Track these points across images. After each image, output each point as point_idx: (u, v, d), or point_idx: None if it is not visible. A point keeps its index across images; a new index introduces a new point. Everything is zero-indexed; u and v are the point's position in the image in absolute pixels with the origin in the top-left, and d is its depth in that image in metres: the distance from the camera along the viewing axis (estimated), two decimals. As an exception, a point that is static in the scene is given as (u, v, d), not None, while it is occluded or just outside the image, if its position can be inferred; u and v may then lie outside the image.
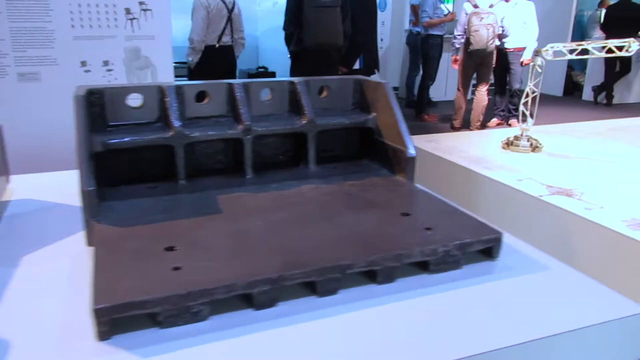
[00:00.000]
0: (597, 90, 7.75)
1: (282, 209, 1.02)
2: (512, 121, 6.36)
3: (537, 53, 3.15)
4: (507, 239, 1.07)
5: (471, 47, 5.63)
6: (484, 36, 5.44)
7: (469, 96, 6.13)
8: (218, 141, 1.22)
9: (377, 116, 1.28)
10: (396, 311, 0.81)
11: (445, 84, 6.87)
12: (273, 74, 6.81)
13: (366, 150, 1.34)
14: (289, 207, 1.04)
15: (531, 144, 3.27)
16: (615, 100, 7.63)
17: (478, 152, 3.19)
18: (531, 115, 3.23)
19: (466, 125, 6.10)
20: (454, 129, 6.10)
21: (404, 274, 0.88)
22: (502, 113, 6.59)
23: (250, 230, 0.93)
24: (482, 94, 5.86)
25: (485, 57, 5.60)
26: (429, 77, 6.37)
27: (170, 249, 0.85)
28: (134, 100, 1.22)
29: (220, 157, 1.24)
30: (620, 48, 2.99)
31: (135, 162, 1.17)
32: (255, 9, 7.69)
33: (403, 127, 1.21)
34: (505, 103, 6.44)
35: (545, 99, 8.15)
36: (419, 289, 0.86)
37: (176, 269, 0.78)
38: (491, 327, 0.78)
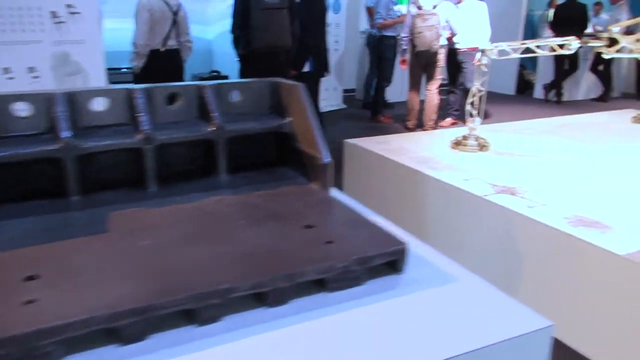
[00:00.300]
0: (547, 88, 7.92)
1: (176, 226, 0.93)
2: (446, 120, 6.41)
3: (482, 52, 3.14)
4: (419, 249, 1.00)
5: (416, 49, 5.67)
6: (427, 38, 5.47)
7: (422, 97, 6.14)
8: (118, 152, 1.12)
9: (293, 121, 1.20)
10: (287, 336, 0.73)
11: (402, 85, 6.86)
12: (226, 78, 6.69)
13: (284, 157, 1.26)
14: (184, 223, 0.95)
15: (479, 143, 3.26)
16: (564, 98, 7.80)
17: (427, 152, 3.16)
18: (478, 115, 3.22)
19: (421, 125, 6.11)
20: (408, 129, 6.10)
21: (299, 294, 0.80)
22: (456, 112, 6.65)
23: (134, 251, 0.83)
24: (432, 94, 5.90)
25: (430, 58, 5.64)
26: (384, 78, 6.37)
27: (31, 278, 0.75)
28: (24, 109, 1.11)
29: (121, 169, 1.13)
30: (562, 46, 3.01)
31: (20, 178, 1.05)
32: (208, 12, 7.55)
33: (317, 132, 1.13)
34: (460, 102, 6.48)
35: (498, 98, 8.27)
36: (314, 310, 0.78)
37: (29, 302, 0.68)
38: (388, 349, 0.71)
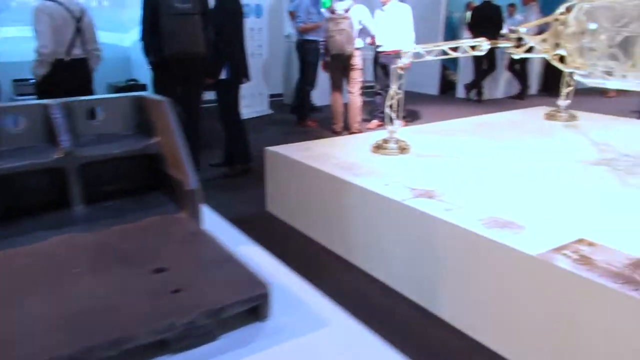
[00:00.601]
0: (468, 87, 8.19)
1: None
2: (372, 122, 6.47)
3: (397, 56, 3.14)
4: (293, 286, 0.88)
5: (330, 52, 5.68)
6: (337, 41, 5.49)
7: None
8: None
9: (161, 141, 1.06)
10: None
11: (330, 89, 6.82)
12: (144, 87, 6.39)
13: (158, 182, 1.11)
14: (7, 276, 0.79)
15: (399, 146, 3.25)
16: (485, 97, 8.09)
17: (350, 157, 3.12)
18: (397, 117, 3.21)
19: (347, 128, 6.10)
20: (335, 133, 6.07)
21: (134, 359, 0.68)
22: (381, 115, 6.69)
23: None
24: (354, 97, 5.91)
25: (346, 61, 5.66)
26: (308, 82, 6.32)
27: None
28: None
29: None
30: (473, 47, 3.06)
31: None
32: (125, 18, 7.22)
33: (183, 153, 0.99)
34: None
35: (423, 98, 8.46)
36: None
37: None
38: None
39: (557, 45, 2.89)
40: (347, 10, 5.70)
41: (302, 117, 6.49)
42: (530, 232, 1.98)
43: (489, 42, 2.99)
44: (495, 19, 7.53)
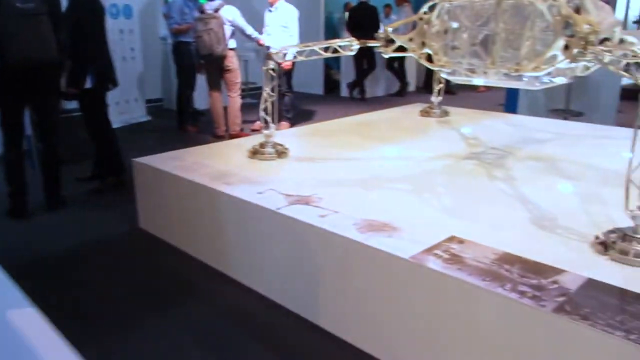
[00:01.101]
0: (351, 86, 8.35)
1: None
2: (282, 124, 6.33)
3: (268, 57, 3.01)
4: None
5: (200, 53, 5.49)
6: (206, 41, 5.32)
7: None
8: None
9: None
10: None
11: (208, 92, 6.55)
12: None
13: None
14: None
15: (277, 151, 3.14)
16: (367, 95, 8.29)
17: (224, 165, 2.94)
18: (273, 121, 3.09)
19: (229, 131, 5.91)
20: (216, 137, 5.85)
21: None
22: (289, 115, 6.59)
23: None
24: (232, 99, 5.76)
25: (218, 62, 5.49)
26: (186, 86, 6.02)
27: None
28: None
29: None
30: (344, 47, 3.02)
31: None
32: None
33: None
34: (292, 104, 6.45)
35: (309, 98, 8.47)
36: None
37: None
38: None
39: (423, 44, 2.93)
40: (216, 10, 5.51)
41: (182, 122, 6.17)
42: (404, 234, 1.95)
43: (358, 42, 2.97)
44: (372, 20, 7.72)
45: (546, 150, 3.18)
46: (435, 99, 4.30)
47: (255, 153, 3.10)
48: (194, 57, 5.76)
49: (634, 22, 9.57)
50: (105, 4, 6.34)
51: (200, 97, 6.81)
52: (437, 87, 4.25)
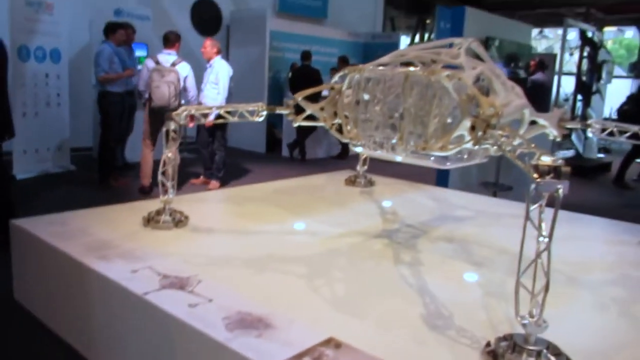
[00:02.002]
0: (291, 147, 8.23)
1: None
2: (212, 183, 6.08)
3: (168, 117, 2.80)
4: None
5: (153, 104, 5.25)
6: (165, 93, 5.12)
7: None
8: None
9: None
10: None
11: (142, 143, 6.26)
12: None
13: None
14: None
15: (174, 219, 2.87)
16: (308, 156, 8.18)
17: (110, 233, 2.63)
18: (172, 186, 2.84)
19: (157, 185, 5.59)
20: (142, 191, 5.53)
21: None
22: (207, 172, 6.35)
23: None
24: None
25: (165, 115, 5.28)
26: (111, 137, 5.71)
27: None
28: None
29: None
30: (252, 113, 2.85)
31: None
32: None
33: None
34: (209, 162, 6.25)
35: (249, 156, 8.29)
36: None
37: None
38: None
39: (335, 114, 2.79)
40: (174, 65, 5.36)
41: (104, 175, 5.81)
42: (277, 333, 1.70)
43: (266, 109, 2.81)
44: (314, 82, 7.71)
45: (462, 230, 3.05)
46: (360, 167, 4.16)
47: (149, 221, 2.82)
48: (122, 107, 5.53)
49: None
50: (30, 47, 6.09)
51: (132, 149, 6.54)
52: (362, 156, 4.13)
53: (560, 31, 9.71)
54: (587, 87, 9.46)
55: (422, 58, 2.63)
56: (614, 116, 10.31)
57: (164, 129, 2.79)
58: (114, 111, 5.68)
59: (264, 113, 2.82)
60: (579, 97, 9.38)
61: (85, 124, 7.33)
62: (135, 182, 5.88)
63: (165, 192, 2.84)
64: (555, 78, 8.74)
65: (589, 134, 2.78)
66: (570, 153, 9.88)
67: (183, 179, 5.90)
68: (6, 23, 5.63)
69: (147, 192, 5.53)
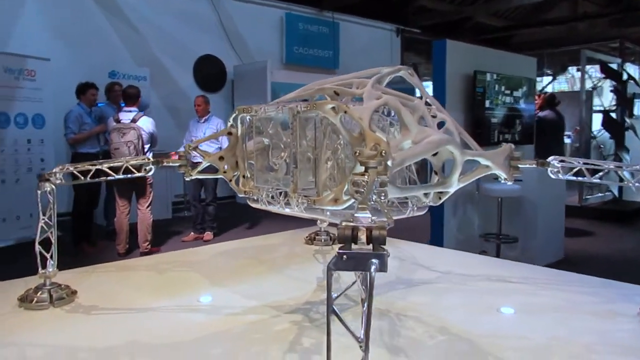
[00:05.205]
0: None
1: None
2: (207, 234, 5.81)
3: (41, 178, 2.41)
4: None
5: None
6: (125, 153, 4.87)
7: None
8: None
9: None
10: None
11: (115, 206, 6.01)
12: None
13: None
14: None
15: (53, 297, 2.43)
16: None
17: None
18: (52, 257, 2.42)
19: (133, 249, 5.26)
20: (120, 255, 5.21)
21: None
22: (199, 226, 6.09)
23: None
24: (143, 212, 5.22)
25: None
26: (84, 202, 5.48)
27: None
28: None
29: None
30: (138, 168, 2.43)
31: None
32: None
33: None
34: (201, 215, 6.02)
35: (244, 208, 7.91)
36: None
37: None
38: None
39: (237, 164, 2.34)
40: (134, 121, 5.13)
41: (78, 240, 5.53)
42: None
43: (153, 161, 2.39)
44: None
45: (408, 300, 2.46)
46: (320, 224, 3.64)
47: (23, 300, 2.39)
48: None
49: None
50: (10, 114, 6.03)
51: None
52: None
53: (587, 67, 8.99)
54: (618, 123, 8.63)
55: (330, 90, 2.18)
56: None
57: (38, 191, 2.40)
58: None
59: (152, 167, 2.40)
60: (607, 135, 8.57)
61: (67, 188, 7.19)
62: (112, 246, 5.58)
63: (44, 264, 2.42)
64: (582, 114, 8.03)
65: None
66: (607, 195, 8.97)
67: (173, 238, 5.60)
68: (-17, 90, 5.64)
69: (123, 255, 5.22)
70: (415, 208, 2.24)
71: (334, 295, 1.22)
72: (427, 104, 2.29)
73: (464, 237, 4.82)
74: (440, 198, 2.24)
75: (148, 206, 5.23)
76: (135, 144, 4.90)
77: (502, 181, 2.26)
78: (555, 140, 6.38)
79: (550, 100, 7.00)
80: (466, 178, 2.19)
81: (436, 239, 4.86)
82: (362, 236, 1.13)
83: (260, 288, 2.68)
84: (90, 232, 5.66)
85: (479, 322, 2.15)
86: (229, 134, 2.34)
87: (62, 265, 2.83)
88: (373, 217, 1.15)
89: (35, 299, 2.37)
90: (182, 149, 2.41)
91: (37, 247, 2.42)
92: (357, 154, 1.61)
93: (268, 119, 2.18)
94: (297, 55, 10.76)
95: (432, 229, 5.05)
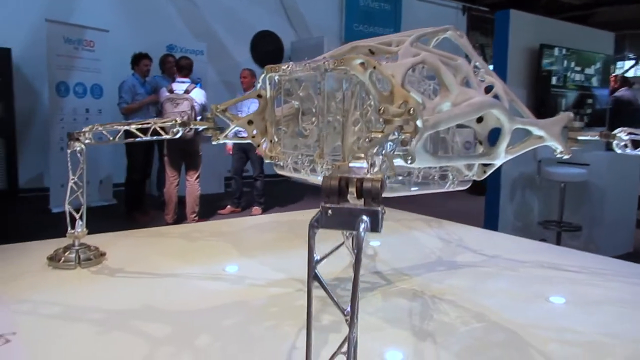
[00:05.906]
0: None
1: None
2: (255, 209, 5.81)
3: (71, 137, 2.39)
4: None
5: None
6: None
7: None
8: None
9: None
10: None
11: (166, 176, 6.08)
12: None
13: None
14: None
15: (80, 258, 2.41)
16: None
17: (9, 270, 2.25)
18: (81, 217, 2.40)
19: (182, 219, 5.31)
20: (168, 225, 5.27)
21: None
22: (237, 200, 6.08)
23: None
24: (192, 184, 5.23)
25: (186, 145, 5.01)
26: (135, 170, 5.56)
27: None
28: None
29: None
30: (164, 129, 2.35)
31: None
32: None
33: None
34: (240, 191, 6.04)
35: (298, 184, 7.82)
36: None
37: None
38: None
39: (266, 129, 2.21)
40: (187, 92, 5.13)
41: (130, 209, 5.64)
42: None
43: (180, 123, 2.29)
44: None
45: (444, 283, 2.26)
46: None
47: (53, 259, 2.39)
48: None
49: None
50: (69, 83, 6.20)
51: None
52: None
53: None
54: None
55: (365, 48, 2.00)
56: None
57: (68, 150, 2.38)
58: (138, 144, 5.55)
59: (179, 129, 2.31)
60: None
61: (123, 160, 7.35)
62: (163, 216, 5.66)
63: (73, 224, 2.41)
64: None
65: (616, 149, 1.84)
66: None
67: (211, 210, 5.61)
68: (44, 60, 5.80)
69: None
70: (456, 181, 2.02)
71: (317, 257, 1.07)
72: (475, 68, 2.05)
73: (521, 224, 4.49)
74: (485, 172, 2.01)
75: (197, 178, 5.25)
76: (189, 115, 4.90)
77: (558, 155, 1.99)
78: (632, 123, 5.83)
79: (626, 80, 6.43)
80: (515, 149, 1.95)
81: (490, 225, 4.56)
82: (352, 189, 0.96)
83: (289, 262, 2.56)
84: (143, 201, 5.77)
85: (522, 310, 1.92)
86: (259, 96, 2.20)
87: (111, 230, 2.88)
88: (370, 169, 0.98)
89: (63, 258, 2.37)
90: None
91: (67, 207, 2.40)
92: (382, 111, 1.43)
93: (299, 81, 2.02)
94: (357, 32, 10.49)
95: (486, 214, 4.74)
